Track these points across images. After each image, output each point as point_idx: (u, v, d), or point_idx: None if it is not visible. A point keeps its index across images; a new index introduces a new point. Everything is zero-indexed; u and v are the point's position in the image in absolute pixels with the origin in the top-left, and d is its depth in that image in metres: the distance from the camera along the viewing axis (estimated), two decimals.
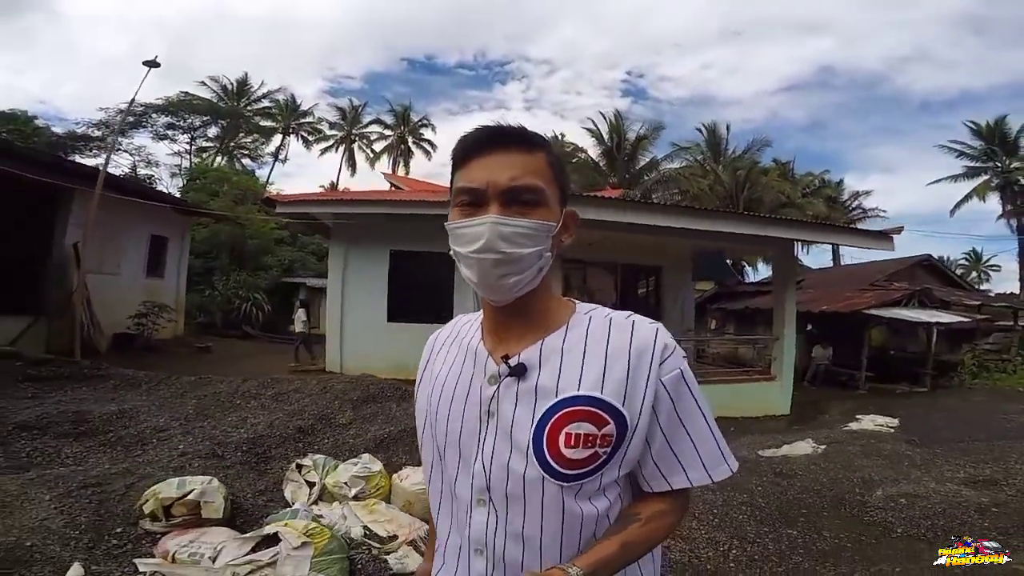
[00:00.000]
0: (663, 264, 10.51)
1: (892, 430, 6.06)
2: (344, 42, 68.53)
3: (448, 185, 0.80)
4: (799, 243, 9.88)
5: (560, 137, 37.26)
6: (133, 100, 11.33)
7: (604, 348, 0.75)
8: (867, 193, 37.14)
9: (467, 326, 0.87)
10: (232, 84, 33.05)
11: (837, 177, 36.37)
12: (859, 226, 31.30)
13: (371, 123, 38.63)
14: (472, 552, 0.76)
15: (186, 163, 28.44)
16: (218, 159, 30.16)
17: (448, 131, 43.05)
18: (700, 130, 31.92)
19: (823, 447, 5.03)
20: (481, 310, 0.85)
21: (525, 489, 0.72)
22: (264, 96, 34.22)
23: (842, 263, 31.86)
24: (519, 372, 0.74)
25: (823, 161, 67.51)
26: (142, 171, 22.21)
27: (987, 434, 6.10)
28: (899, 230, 7.24)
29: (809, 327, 12.31)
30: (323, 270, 17.98)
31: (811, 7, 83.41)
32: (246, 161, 33.08)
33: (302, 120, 36.95)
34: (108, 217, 9.65)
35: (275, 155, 35.66)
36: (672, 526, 0.79)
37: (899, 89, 65.52)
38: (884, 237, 7.31)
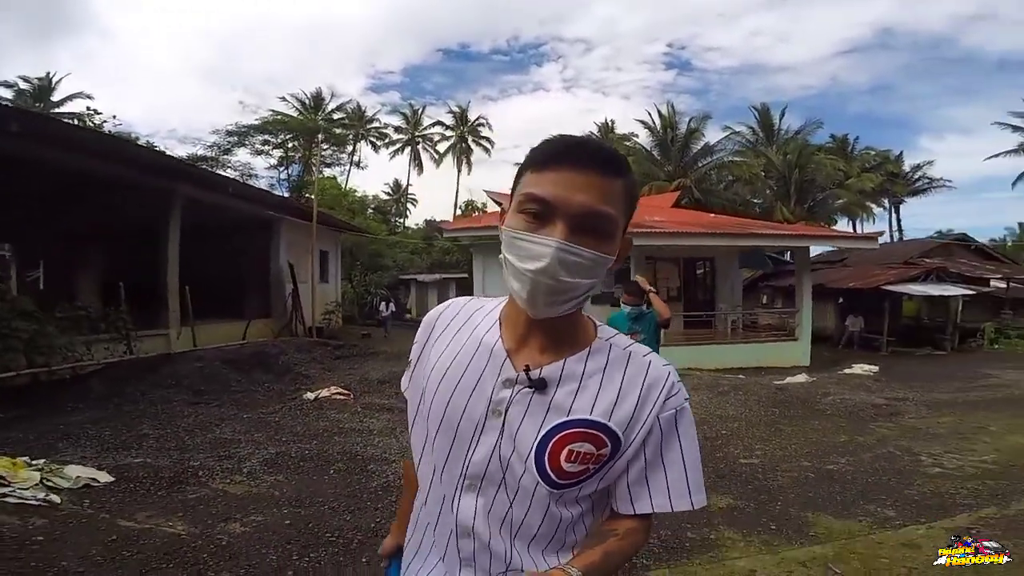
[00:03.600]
0: (715, 256, 13.84)
1: (871, 374, 9.38)
2: (381, 39, 73.53)
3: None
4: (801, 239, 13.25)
5: (610, 124, 40.12)
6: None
7: (620, 379, 0.80)
8: (930, 163, 37.95)
9: (480, 313, 0.89)
10: (308, 99, 37.73)
11: (908, 141, 37.45)
12: (922, 197, 33.11)
13: (433, 125, 42.65)
14: (459, 535, 0.81)
15: (280, 175, 33.52)
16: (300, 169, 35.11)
17: (496, 117, 46.51)
18: (753, 110, 33.94)
19: (812, 379, 8.50)
20: (500, 300, 0.89)
21: (519, 488, 0.79)
22: (338, 108, 38.82)
23: (903, 238, 33.47)
24: (540, 386, 0.78)
25: (892, 125, 66.35)
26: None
27: (946, 379, 9.30)
28: (878, 235, 10.34)
29: (840, 300, 15.36)
30: (430, 266, 22.50)
31: None
32: (326, 170, 37.98)
33: (369, 126, 41.41)
34: (298, 237, 13.98)
35: (350, 160, 40.26)
36: (641, 544, 0.87)
37: (968, 49, 63.82)
38: (869, 239, 10.50)
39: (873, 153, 36.65)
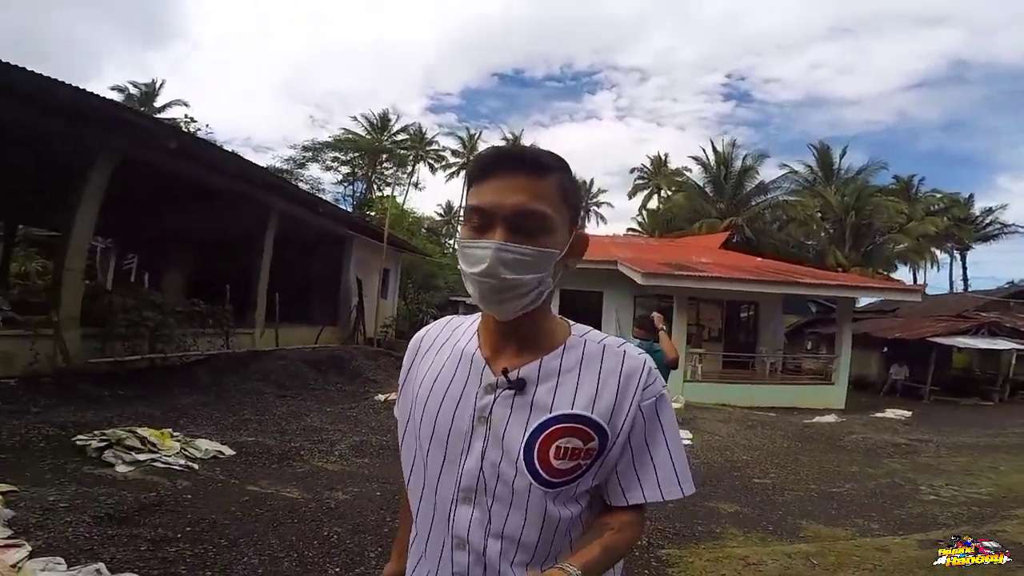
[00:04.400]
0: (759, 300, 14.34)
1: (902, 418, 9.72)
2: (441, 63, 76.63)
3: None
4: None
5: (663, 158, 40.69)
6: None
7: (598, 371, 0.83)
8: (1003, 207, 36.39)
9: (460, 330, 0.94)
10: (376, 119, 40.21)
11: (984, 179, 35.98)
12: (992, 243, 31.92)
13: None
14: (454, 547, 0.83)
15: (346, 191, 35.91)
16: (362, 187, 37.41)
17: (547, 145, 47.75)
18: (811, 148, 33.73)
19: (842, 420, 8.98)
20: (477, 315, 0.93)
21: (513, 492, 0.80)
22: (402, 130, 41.19)
23: (968, 287, 32.29)
24: (519, 386, 0.82)
25: (967, 163, 63.73)
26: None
27: (979, 426, 9.55)
28: (923, 287, 10.72)
29: (885, 349, 15.48)
30: None
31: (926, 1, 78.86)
32: (386, 190, 40.21)
33: (428, 148, 43.53)
34: (365, 255, 15.37)
35: (408, 180, 42.32)
36: (637, 537, 0.90)
37: None
38: (914, 291, 10.88)
39: (939, 196, 35.42)
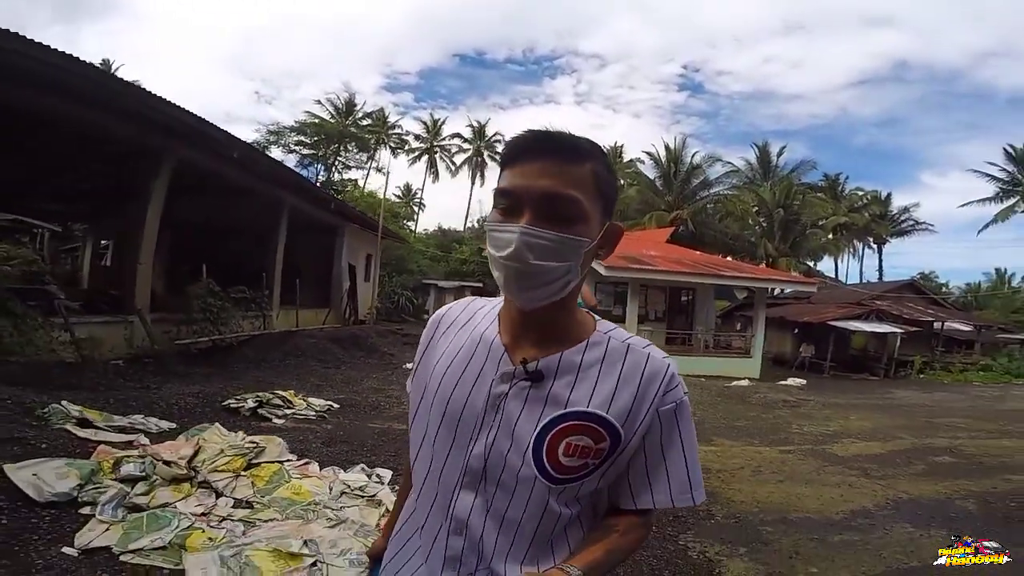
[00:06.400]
0: (696, 288, 17.33)
1: (798, 385, 12.85)
2: (399, 40, 76.66)
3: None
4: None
5: (619, 149, 43.61)
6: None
7: (618, 371, 0.83)
8: (916, 205, 41.55)
9: (482, 312, 0.94)
10: (342, 104, 40.99)
11: (911, 175, 39.51)
12: (907, 238, 36.39)
13: (453, 136, 46.08)
14: (452, 531, 0.84)
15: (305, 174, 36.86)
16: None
17: (504, 131, 50.18)
18: (754, 147, 37.52)
19: (752, 384, 11.96)
20: (499, 299, 0.93)
21: (517, 483, 0.82)
22: (368, 115, 42.16)
23: (882, 278, 36.90)
24: (536, 378, 0.82)
25: (897, 158, 69.88)
26: None
27: (855, 393, 12.78)
28: (817, 280, 14.02)
29: (796, 330, 18.95)
30: (447, 273, 25.94)
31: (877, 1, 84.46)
32: (347, 174, 41.16)
33: (390, 131, 44.68)
34: (352, 241, 17.28)
35: (369, 164, 43.29)
36: (642, 539, 0.92)
37: (981, 84, 66.92)
38: (809, 283, 14.23)
39: (862, 193, 40.05)
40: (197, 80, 64.20)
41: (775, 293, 23.40)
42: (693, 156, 33.15)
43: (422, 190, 46.49)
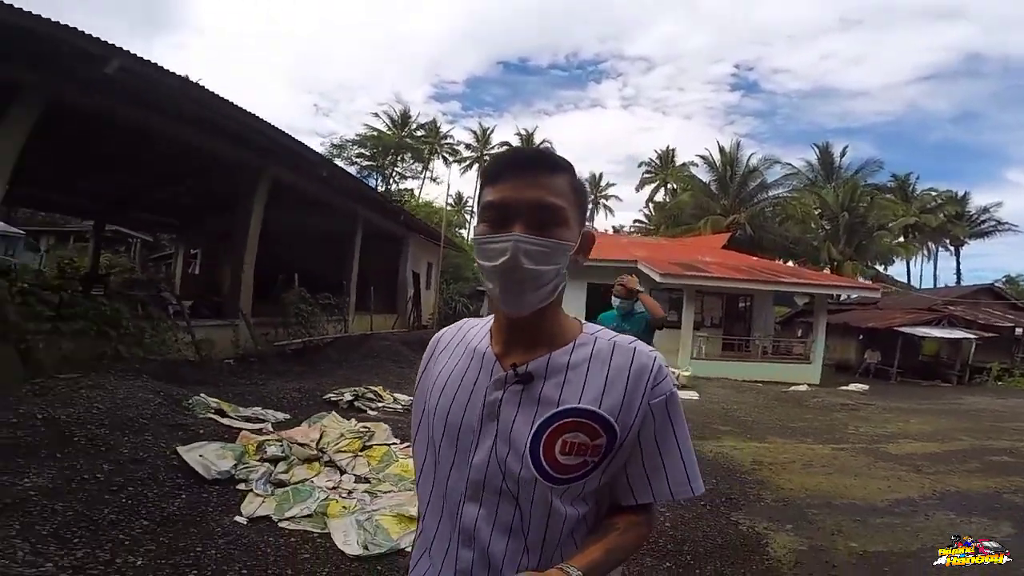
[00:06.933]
0: (753, 294, 17.42)
1: (859, 391, 12.84)
2: (446, 50, 78.30)
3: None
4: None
5: (671, 153, 43.37)
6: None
7: (607, 367, 0.86)
8: (998, 205, 38.42)
9: (474, 330, 0.98)
10: (397, 116, 42.86)
11: (992, 173, 36.51)
12: (988, 239, 35.36)
13: (502, 145, 47.04)
14: (460, 544, 0.86)
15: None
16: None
17: (551, 137, 50.49)
18: (814, 147, 36.56)
19: (811, 388, 12.11)
20: (491, 316, 0.97)
21: (519, 488, 0.83)
22: (422, 126, 43.91)
23: (960, 282, 35.04)
24: (526, 380, 0.85)
25: (975, 156, 65.43)
26: None
27: (922, 398, 12.68)
28: (881, 286, 13.88)
29: (860, 337, 18.66)
30: None
31: None
32: (404, 183, 42.96)
33: (443, 142, 46.17)
34: (418, 251, 18.39)
35: (424, 174, 44.92)
36: (645, 536, 0.93)
37: None
38: (873, 288, 14.10)
39: (935, 193, 38.07)
40: (259, 93, 68.22)
41: (839, 299, 23.04)
42: (749, 158, 32.12)
43: (473, 198, 47.66)
